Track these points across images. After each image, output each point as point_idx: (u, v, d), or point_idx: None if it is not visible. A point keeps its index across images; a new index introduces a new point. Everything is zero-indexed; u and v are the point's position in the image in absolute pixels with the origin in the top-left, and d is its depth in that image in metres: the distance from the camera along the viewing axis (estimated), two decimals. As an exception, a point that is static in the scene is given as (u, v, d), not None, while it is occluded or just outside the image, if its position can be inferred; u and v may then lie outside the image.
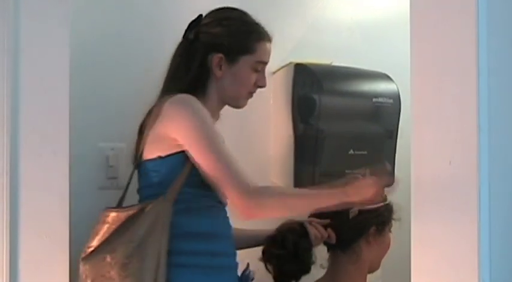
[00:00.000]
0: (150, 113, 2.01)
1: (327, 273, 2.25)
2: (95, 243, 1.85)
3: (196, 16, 2.12)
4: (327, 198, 1.94)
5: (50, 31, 1.81)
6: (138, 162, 2.00)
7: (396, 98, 2.68)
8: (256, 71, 2.10)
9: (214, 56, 2.06)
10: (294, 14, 2.74)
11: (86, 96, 2.21)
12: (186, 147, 1.90)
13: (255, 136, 2.60)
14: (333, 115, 2.55)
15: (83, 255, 1.84)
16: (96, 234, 1.87)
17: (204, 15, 2.12)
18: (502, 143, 1.41)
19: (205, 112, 1.95)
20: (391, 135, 2.69)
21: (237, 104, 2.14)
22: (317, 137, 2.52)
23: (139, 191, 2.01)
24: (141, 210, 1.85)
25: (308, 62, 2.61)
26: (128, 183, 1.99)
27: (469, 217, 1.37)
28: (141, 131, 2.02)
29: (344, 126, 2.58)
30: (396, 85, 2.69)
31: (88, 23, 2.25)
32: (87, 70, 2.21)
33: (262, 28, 2.13)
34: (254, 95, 2.17)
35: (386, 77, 2.71)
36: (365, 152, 2.62)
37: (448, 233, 1.43)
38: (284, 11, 2.72)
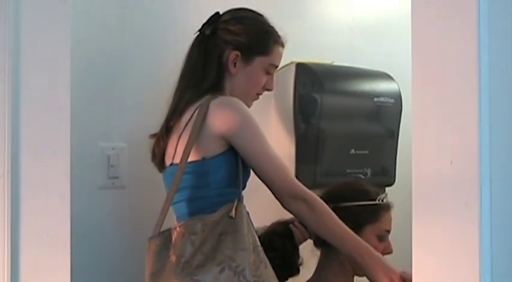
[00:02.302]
0: (179, 112, 2.02)
1: (314, 272, 2.25)
2: (194, 255, 1.86)
3: (198, 26, 2.12)
4: (355, 242, 1.97)
5: (51, 30, 1.81)
6: (171, 163, 2.01)
7: (397, 98, 2.68)
8: (267, 73, 2.12)
9: (231, 53, 2.07)
10: (295, 13, 2.74)
11: (87, 95, 2.21)
12: (239, 149, 1.96)
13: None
14: (334, 115, 2.56)
15: (186, 271, 1.85)
16: (190, 246, 1.88)
17: (221, 12, 2.13)
18: (503, 142, 1.41)
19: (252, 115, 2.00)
20: (392, 134, 2.70)
21: (245, 104, 2.10)
22: (318, 136, 2.53)
23: (178, 191, 1.97)
24: (225, 215, 1.90)
25: (309, 61, 2.61)
26: (177, 188, 1.96)
27: (470, 217, 1.37)
28: (168, 130, 2.03)
29: (345, 125, 2.59)
30: (397, 84, 2.69)
31: (89, 22, 2.25)
32: (88, 70, 2.21)
33: (277, 32, 2.15)
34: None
35: (387, 77, 2.72)
36: (366, 152, 2.63)
37: (449, 233, 1.43)
38: (285, 10, 2.72)
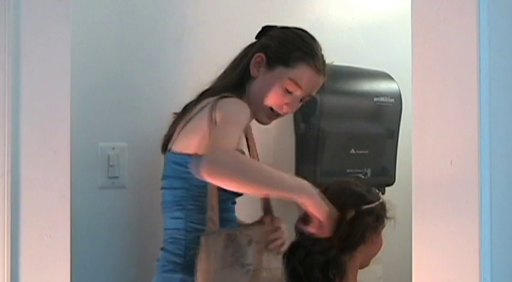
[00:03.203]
0: (195, 101, 2.02)
1: None
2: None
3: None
4: (290, 181, 1.86)
5: (51, 30, 1.81)
6: (168, 149, 2.02)
7: (397, 98, 2.68)
8: (287, 90, 2.02)
9: (257, 54, 2.05)
10: (295, 13, 2.74)
11: (87, 95, 2.21)
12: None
13: (256, 136, 2.60)
14: (334, 114, 2.56)
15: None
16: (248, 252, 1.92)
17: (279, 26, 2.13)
18: (503, 142, 1.41)
19: (242, 115, 1.93)
20: (392, 134, 2.70)
21: (257, 114, 2.06)
22: (318, 136, 2.53)
23: (164, 178, 2.02)
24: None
25: (309, 61, 2.60)
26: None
27: (470, 217, 1.37)
28: (180, 115, 2.04)
29: (345, 125, 2.59)
30: (397, 84, 2.69)
31: (89, 22, 2.25)
32: (88, 69, 2.21)
33: (318, 58, 2.07)
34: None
35: (387, 77, 2.71)
36: (366, 152, 2.62)
37: (449, 232, 1.43)
38: (286, 10, 2.72)
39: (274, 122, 2.35)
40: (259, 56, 2.04)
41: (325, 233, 1.87)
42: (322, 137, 2.52)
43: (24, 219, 1.77)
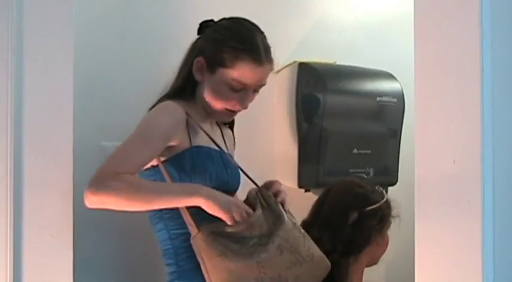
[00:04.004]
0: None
1: None
2: None
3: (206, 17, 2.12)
4: (178, 187, 1.86)
5: (54, 30, 1.81)
6: None
7: (400, 97, 2.68)
8: (233, 89, 1.98)
9: (197, 60, 2.02)
10: (298, 13, 2.74)
11: (90, 95, 2.22)
12: None
13: (259, 135, 2.60)
14: (336, 114, 2.55)
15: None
16: None
17: (216, 20, 2.09)
18: (505, 142, 1.41)
19: (163, 120, 1.91)
20: (395, 134, 2.69)
21: (213, 115, 2.06)
22: (321, 136, 2.52)
23: None
24: None
25: (312, 61, 2.61)
26: None
27: (473, 216, 1.37)
28: None
29: (348, 125, 2.58)
30: (400, 84, 2.69)
31: (92, 22, 2.25)
32: (91, 69, 2.22)
33: (256, 47, 1.98)
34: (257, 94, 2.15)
35: (390, 76, 2.71)
36: (369, 151, 2.62)
37: (452, 231, 1.43)
38: (288, 10, 2.72)
39: (276, 121, 2.35)
40: (199, 61, 2.01)
41: (231, 220, 1.84)
42: (324, 137, 2.52)
43: (27, 218, 1.77)
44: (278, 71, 2.60)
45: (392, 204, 2.15)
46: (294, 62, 2.58)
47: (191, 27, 2.13)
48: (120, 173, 1.77)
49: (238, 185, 2.06)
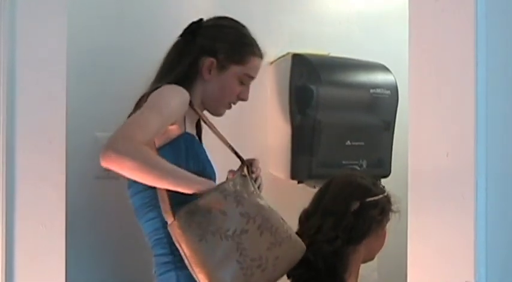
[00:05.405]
0: (137, 104, 2.02)
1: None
2: None
3: (194, 17, 2.12)
4: (176, 181, 1.82)
5: (48, 21, 1.80)
6: None
7: (394, 89, 2.68)
8: (242, 83, 2.13)
9: (206, 59, 2.08)
10: (292, 4, 2.74)
11: (83, 85, 2.21)
12: None
13: (252, 127, 2.60)
14: (330, 106, 2.55)
15: None
16: None
17: (205, 19, 2.14)
18: (499, 135, 1.41)
19: (173, 100, 1.93)
20: (388, 126, 2.70)
21: (216, 110, 2.15)
22: (314, 127, 2.52)
23: (129, 187, 2.03)
24: None
25: (306, 52, 2.61)
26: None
27: (466, 209, 1.37)
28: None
29: (341, 117, 2.58)
30: (394, 76, 2.69)
31: (87, 13, 2.24)
32: (84, 59, 2.21)
33: (258, 44, 2.15)
34: (251, 85, 2.16)
35: (384, 68, 2.71)
36: (362, 143, 2.62)
37: (445, 225, 1.43)
38: (283, 2, 2.71)
39: (270, 113, 2.35)
40: (210, 61, 2.08)
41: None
42: (318, 129, 2.52)
43: (20, 209, 1.77)
44: (272, 63, 2.60)
45: (393, 199, 2.15)
46: (288, 53, 2.58)
47: (186, 21, 2.13)
48: (141, 142, 1.78)
49: (216, 178, 2.05)
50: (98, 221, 2.27)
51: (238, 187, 1.87)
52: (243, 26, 2.16)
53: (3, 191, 1.75)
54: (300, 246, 1.96)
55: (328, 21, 2.83)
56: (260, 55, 2.16)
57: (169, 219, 1.84)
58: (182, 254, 1.84)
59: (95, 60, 2.27)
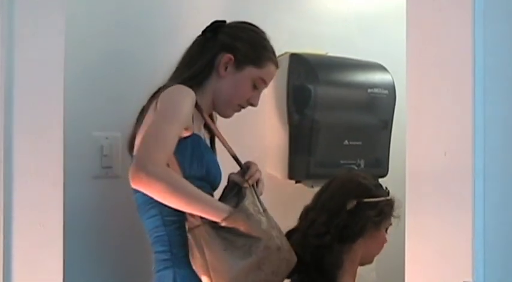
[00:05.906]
0: (149, 101, 2.02)
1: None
2: None
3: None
4: (204, 209, 1.88)
5: (46, 19, 1.80)
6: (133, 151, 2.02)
7: (391, 89, 2.68)
8: (255, 87, 2.14)
9: (224, 55, 2.10)
10: (290, 3, 2.74)
11: (81, 84, 2.21)
12: None
13: (250, 126, 2.60)
14: (328, 105, 2.56)
15: None
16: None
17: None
18: (497, 134, 1.41)
19: (183, 105, 1.93)
20: (386, 125, 2.70)
21: (225, 111, 2.16)
22: (312, 127, 2.53)
23: None
24: None
25: (303, 52, 2.61)
26: None
27: (464, 208, 1.38)
28: (139, 119, 2.04)
29: (339, 116, 2.59)
30: (391, 76, 2.69)
31: (85, 12, 2.24)
32: (82, 59, 2.21)
33: (275, 54, 2.19)
34: None
35: (381, 68, 2.71)
36: (360, 143, 2.63)
37: (443, 224, 1.43)
38: (280, 1, 2.71)
39: (268, 112, 2.35)
40: (228, 57, 2.10)
41: None
42: (315, 128, 2.52)
43: (17, 208, 1.76)
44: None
45: (396, 204, 2.15)
46: (285, 52, 2.58)
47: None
48: (165, 160, 1.83)
49: (221, 180, 2.07)
50: (95, 220, 2.26)
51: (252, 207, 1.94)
52: (264, 33, 2.19)
53: (1, 190, 1.75)
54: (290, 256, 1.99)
55: (326, 20, 2.83)
56: (276, 63, 2.19)
57: (196, 221, 1.88)
58: (200, 257, 1.87)
59: (93, 60, 2.26)
